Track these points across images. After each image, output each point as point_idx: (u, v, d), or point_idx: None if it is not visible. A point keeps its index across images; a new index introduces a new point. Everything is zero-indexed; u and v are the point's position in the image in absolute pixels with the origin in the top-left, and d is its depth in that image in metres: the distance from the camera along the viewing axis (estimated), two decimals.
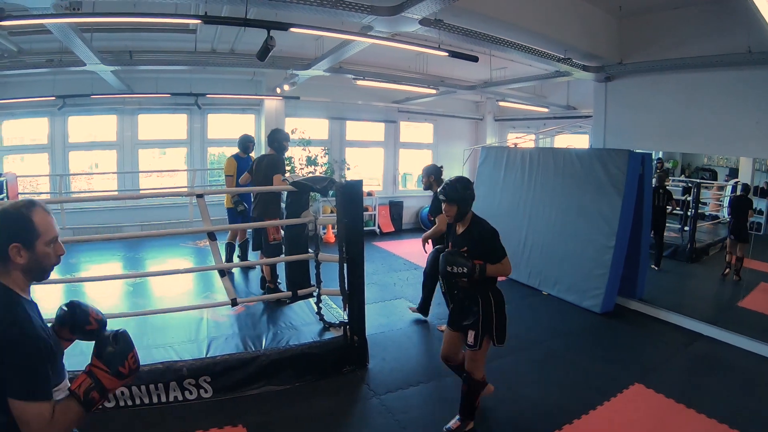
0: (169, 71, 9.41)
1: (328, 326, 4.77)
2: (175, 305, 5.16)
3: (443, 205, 3.55)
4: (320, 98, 10.59)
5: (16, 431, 1.65)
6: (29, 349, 1.65)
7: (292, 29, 5.05)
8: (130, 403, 4.04)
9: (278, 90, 9.28)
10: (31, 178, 10.44)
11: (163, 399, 4.09)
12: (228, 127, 10.81)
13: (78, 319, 1.91)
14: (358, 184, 4.47)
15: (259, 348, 4.38)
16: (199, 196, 4.39)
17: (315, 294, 4.87)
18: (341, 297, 4.66)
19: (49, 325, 1.86)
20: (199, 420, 3.84)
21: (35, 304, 1.83)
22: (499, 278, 3.60)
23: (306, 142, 10.56)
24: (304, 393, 4.21)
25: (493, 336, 3.53)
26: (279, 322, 4.97)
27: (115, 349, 1.78)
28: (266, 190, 5.61)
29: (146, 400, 4.06)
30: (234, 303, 4.58)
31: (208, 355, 4.25)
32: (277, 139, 5.79)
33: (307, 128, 10.74)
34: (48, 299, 5.46)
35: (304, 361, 4.39)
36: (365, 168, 12.10)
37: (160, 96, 9.72)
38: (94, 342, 1.83)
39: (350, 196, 4.44)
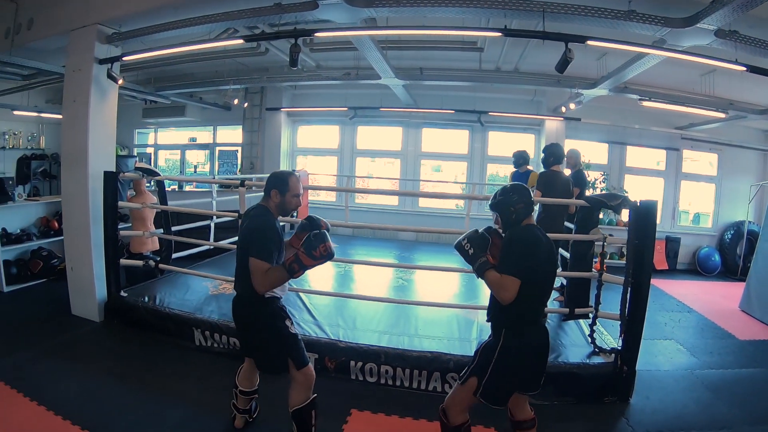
0: (453, 89, 9.88)
1: (597, 351, 4.54)
2: (434, 302, 5.43)
3: None
4: (600, 121, 10.20)
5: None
6: (269, 233, 3.07)
7: (589, 42, 4.95)
8: (390, 382, 4.41)
9: (563, 109, 9.20)
10: (318, 177, 11.94)
11: (423, 386, 4.35)
12: (508, 145, 10.91)
13: (312, 225, 3.23)
14: (653, 205, 4.17)
15: None
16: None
17: (591, 315, 4.67)
18: (616, 323, 4.39)
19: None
20: None
21: (278, 223, 3.25)
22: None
23: (586, 166, 10.12)
24: (561, 413, 4.07)
25: (481, 382, 2.92)
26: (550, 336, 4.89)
27: (311, 241, 2.95)
28: (560, 202, 5.59)
29: (407, 384, 4.37)
30: None
31: None
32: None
33: (586, 151, 10.27)
34: (323, 279, 6.29)
35: (569, 381, 4.24)
36: (642, 198, 11.11)
37: (444, 112, 10.29)
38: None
39: (645, 217, 4.15)
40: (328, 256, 2.93)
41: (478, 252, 2.88)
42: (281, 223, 3.34)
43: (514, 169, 7.23)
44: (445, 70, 8.86)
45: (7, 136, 11.36)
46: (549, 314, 5.34)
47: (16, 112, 10.90)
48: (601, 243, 4.54)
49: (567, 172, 6.40)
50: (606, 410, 4.17)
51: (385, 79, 8.41)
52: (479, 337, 4.78)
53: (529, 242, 2.88)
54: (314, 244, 2.91)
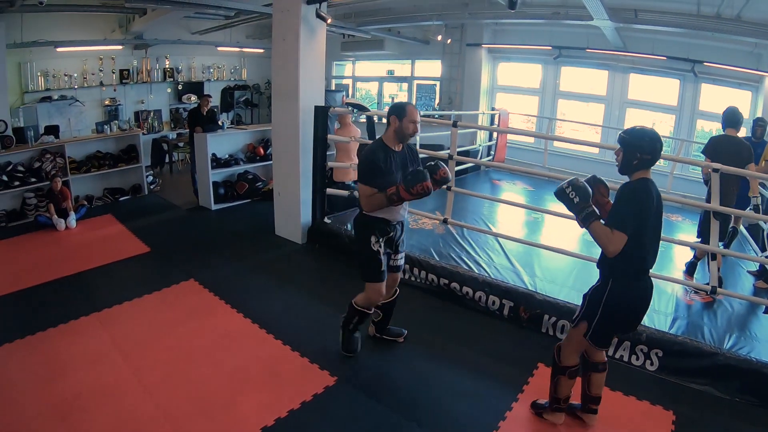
0: (666, 33, 8.99)
1: None
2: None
3: None
4: None
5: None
6: (368, 163, 3.55)
7: None
8: None
9: None
10: (518, 116, 11.74)
11: (611, 353, 4.23)
12: (720, 101, 9.55)
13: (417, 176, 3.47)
14: None
15: (720, 346, 4.08)
16: (715, 170, 4.21)
17: None
18: None
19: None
20: (635, 387, 3.87)
21: (398, 153, 3.68)
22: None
23: None
24: (741, 411, 3.77)
25: (590, 326, 3.02)
26: (744, 326, 4.55)
27: (409, 179, 3.41)
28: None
29: None
30: (713, 291, 4.40)
31: (669, 331, 4.20)
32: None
33: None
34: (516, 225, 6.49)
35: (756, 380, 3.87)
36: None
37: (655, 57, 9.49)
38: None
39: None
40: (424, 192, 3.41)
41: (583, 201, 2.86)
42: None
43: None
44: (661, 13, 8.13)
45: (212, 70, 12.60)
46: (748, 302, 4.95)
47: (219, 49, 12.14)
48: None
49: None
50: None
51: (597, 21, 8.00)
52: (674, 312, 4.60)
53: (641, 198, 2.81)
54: (411, 181, 3.40)
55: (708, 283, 4.60)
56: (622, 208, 2.79)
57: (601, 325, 2.99)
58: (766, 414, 3.74)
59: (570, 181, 2.93)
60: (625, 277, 2.92)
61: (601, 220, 2.85)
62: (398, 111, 3.59)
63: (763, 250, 5.92)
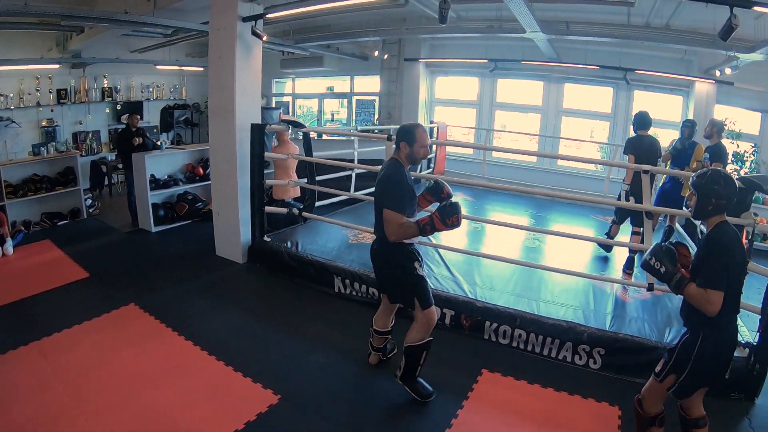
0: (599, 43, 9.36)
1: None
2: (574, 271, 5.27)
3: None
4: (754, 86, 9.06)
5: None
6: (401, 186, 3.42)
7: (757, 8, 4.61)
8: (522, 347, 4.48)
9: (717, 73, 8.44)
10: (456, 129, 11.95)
11: (554, 354, 4.37)
12: (653, 106, 9.86)
13: (437, 189, 3.65)
14: None
15: (660, 341, 4.20)
16: (645, 172, 4.34)
17: None
18: (754, 315, 4.09)
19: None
20: (579, 386, 3.97)
21: (409, 174, 3.58)
22: None
23: (735, 135, 9.21)
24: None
25: (677, 380, 2.88)
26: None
27: (447, 210, 3.28)
28: None
29: (537, 350, 4.42)
30: (650, 288, 4.54)
31: (610, 329, 4.31)
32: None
33: (737, 119, 9.38)
34: (458, 235, 6.27)
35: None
36: None
37: (588, 67, 9.84)
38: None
39: None
40: (457, 225, 3.31)
41: (671, 268, 2.74)
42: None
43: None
44: (592, 24, 8.43)
45: (151, 89, 12.43)
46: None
47: (158, 67, 11.94)
48: (750, 228, 4.23)
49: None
50: (729, 406, 3.92)
51: (529, 33, 8.18)
52: (613, 310, 4.72)
53: (728, 248, 2.68)
54: (449, 212, 3.28)
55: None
56: (712, 265, 2.66)
57: (690, 381, 2.84)
58: (712, 403, 3.79)
59: (652, 252, 2.83)
60: (717, 327, 2.75)
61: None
62: (407, 136, 3.49)
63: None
